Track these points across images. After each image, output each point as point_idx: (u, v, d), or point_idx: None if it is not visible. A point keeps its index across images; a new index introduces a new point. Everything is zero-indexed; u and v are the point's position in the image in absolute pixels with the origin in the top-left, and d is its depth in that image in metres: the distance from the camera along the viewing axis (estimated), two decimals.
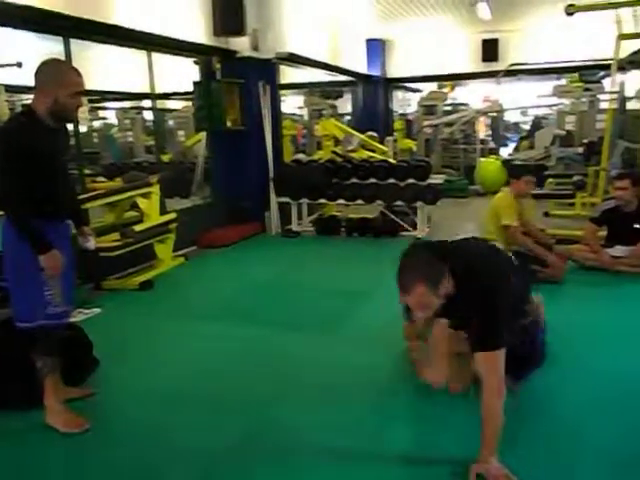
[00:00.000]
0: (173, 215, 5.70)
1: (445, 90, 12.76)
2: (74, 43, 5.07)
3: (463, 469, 2.22)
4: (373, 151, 8.69)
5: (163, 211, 5.70)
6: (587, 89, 10.18)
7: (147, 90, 6.50)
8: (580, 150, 8.94)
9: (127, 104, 12.22)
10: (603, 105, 9.61)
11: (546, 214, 7.05)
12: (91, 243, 3.01)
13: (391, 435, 2.63)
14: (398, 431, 2.68)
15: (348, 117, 13.01)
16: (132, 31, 5.45)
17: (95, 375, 3.28)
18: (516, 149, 12.54)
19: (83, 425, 2.74)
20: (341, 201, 7.17)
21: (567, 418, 2.69)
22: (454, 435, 2.57)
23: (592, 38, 9.45)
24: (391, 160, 7.77)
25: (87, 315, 4.28)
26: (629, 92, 8.78)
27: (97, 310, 4.42)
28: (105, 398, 3.06)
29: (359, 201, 7.04)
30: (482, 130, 12.45)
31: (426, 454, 2.47)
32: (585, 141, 8.81)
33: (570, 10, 6.30)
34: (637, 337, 3.64)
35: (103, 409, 2.97)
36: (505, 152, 13.22)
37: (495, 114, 12.89)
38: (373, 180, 6.97)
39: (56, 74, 2.58)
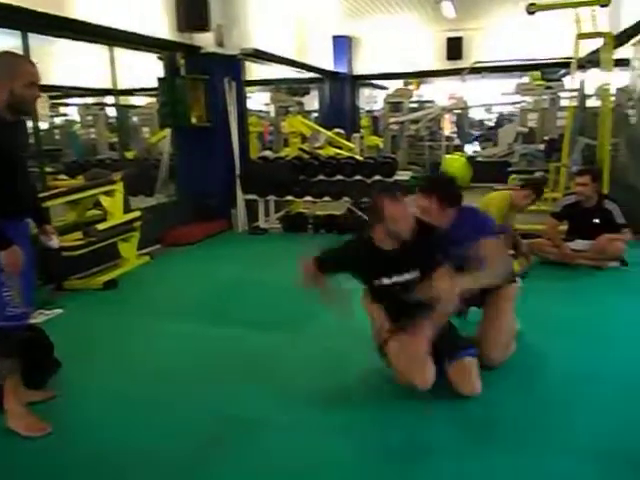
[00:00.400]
0: (137, 213, 5.61)
1: (411, 87, 12.87)
2: (33, 38, 4.94)
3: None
4: (340, 148, 8.69)
5: (127, 209, 5.61)
6: (548, 87, 10.39)
7: (110, 86, 6.39)
8: (542, 147, 9.12)
9: (90, 100, 11.99)
10: (564, 103, 9.82)
11: None
12: (54, 242, 2.95)
13: (367, 435, 2.65)
14: (372, 429, 2.69)
15: (315, 114, 13.00)
16: (93, 26, 5.34)
17: (57, 377, 3.21)
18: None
19: (45, 429, 2.68)
20: (308, 198, 7.16)
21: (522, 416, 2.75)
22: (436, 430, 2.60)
23: (553, 37, 9.64)
24: (358, 157, 7.80)
25: (48, 316, 4.19)
26: (589, 90, 9.00)
27: (59, 311, 4.32)
28: (67, 400, 3.01)
29: (326, 198, 7.05)
30: (447, 127, 12.60)
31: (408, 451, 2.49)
32: (546, 138, 8.99)
33: (531, 9, 6.42)
34: (593, 327, 3.75)
35: (65, 412, 2.91)
36: (470, 149, 13.42)
37: (460, 111, 13.05)
38: (340, 177, 6.98)
39: (9, 66, 2.52)
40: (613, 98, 7.02)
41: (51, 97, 11.01)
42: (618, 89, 8.05)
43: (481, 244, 2.88)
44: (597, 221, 5.03)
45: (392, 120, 11.01)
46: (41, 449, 2.58)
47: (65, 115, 12.44)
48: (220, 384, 3.13)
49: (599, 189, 5.22)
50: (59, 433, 2.67)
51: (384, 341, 2.94)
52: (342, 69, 11.88)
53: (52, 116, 11.56)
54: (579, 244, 5.13)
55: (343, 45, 11.84)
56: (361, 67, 12.19)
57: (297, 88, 10.69)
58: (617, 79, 7.43)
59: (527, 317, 3.92)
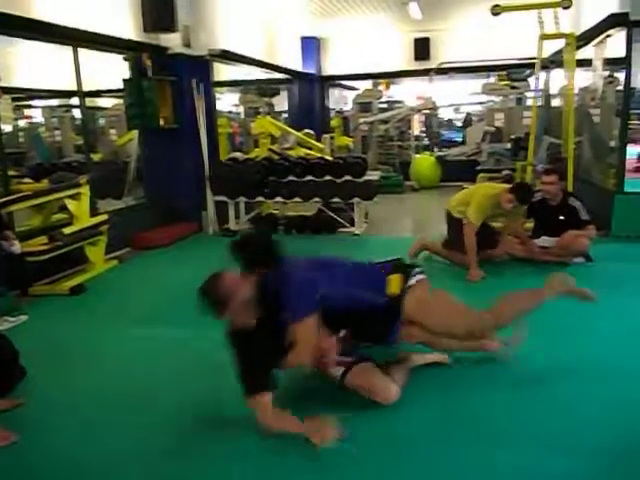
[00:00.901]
0: (104, 217, 5.54)
1: (380, 88, 12.93)
2: None
3: None
4: (310, 149, 8.69)
5: (94, 213, 5.52)
6: (514, 87, 10.56)
7: (75, 88, 6.27)
8: (508, 146, 9.26)
9: (55, 102, 11.75)
10: (529, 102, 10.00)
11: None
12: (16, 247, 2.90)
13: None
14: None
15: (285, 115, 12.97)
16: (56, 26, 5.25)
17: (22, 385, 3.14)
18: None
19: (9, 438, 2.62)
20: (279, 199, 7.15)
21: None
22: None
23: (518, 38, 9.81)
24: (328, 157, 7.81)
25: (13, 323, 4.10)
26: (553, 90, 9.18)
27: (24, 317, 4.24)
28: (33, 408, 2.95)
29: (297, 199, 7.05)
30: (416, 127, 12.70)
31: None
32: (513, 137, 9.14)
33: (496, 10, 6.52)
34: (562, 323, 3.82)
35: (32, 419, 2.85)
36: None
37: (429, 111, 13.17)
38: (310, 177, 6.99)
39: None
40: (576, 98, 7.18)
41: (14, 99, 10.78)
42: (581, 89, 8.24)
43: (293, 328, 2.55)
44: (562, 218, 5.14)
45: (362, 120, 11.07)
46: (7, 459, 2.53)
47: (29, 117, 12.18)
48: (191, 387, 3.10)
49: (564, 187, 5.34)
50: (25, 441, 2.62)
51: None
52: (311, 70, 11.89)
53: (16, 119, 11.31)
54: (545, 241, 5.23)
55: (312, 46, 11.85)
56: (330, 68, 12.22)
57: (266, 89, 10.64)
58: (580, 79, 7.59)
59: None
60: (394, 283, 2.84)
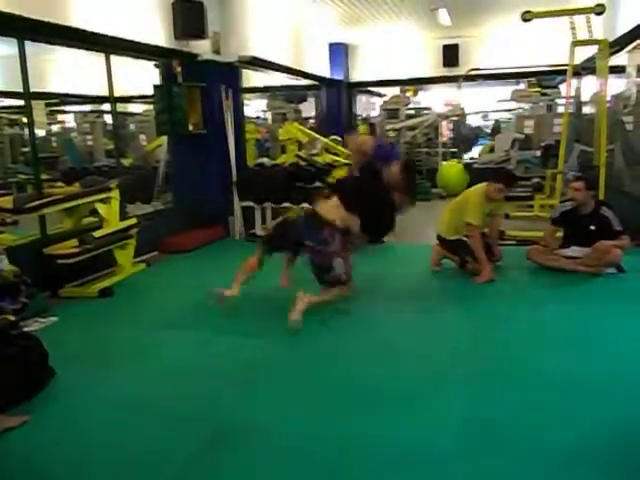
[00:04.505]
0: (134, 220, 5.60)
1: (408, 94, 12.89)
2: (30, 45, 4.95)
3: None
4: (337, 155, 8.70)
5: (123, 216, 5.60)
6: (544, 94, 10.42)
7: (107, 93, 6.38)
8: (538, 153, 9.14)
9: (87, 107, 11.99)
10: (560, 109, 9.86)
11: (506, 216, 7.18)
12: (3, 263, 2.92)
13: (375, 445, 2.64)
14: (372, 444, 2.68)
15: (312, 121, 13.01)
16: (90, 33, 5.34)
17: (51, 385, 3.19)
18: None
19: (22, 418, 2.71)
20: (305, 205, 7.15)
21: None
22: None
23: (549, 44, 9.69)
24: None
25: (43, 324, 4.17)
26: (585, 97, 9.04)
27: (54, 319, 4.30)
28: (62, 409, 2.99)
29: None
30: (445, 134, 12.62)
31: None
32: (543, 144, 9.01)
33: (527, 17, 6.44)
34: (593, 336, 3.74)
35: (60, 420, 2.88)
36: (467, 155, 13.44)
37: (457, 118, 13.07)
38: None
39: None
40: (609, 105, 7.05)
41: (48, 104, 11.03)
42: (613, 96, 8.08)
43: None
44: (593, 228, 5.03)
45: (389, 127, 11.03)
46: (37, 455, 2.57)
47: (62, 122, 12.44)
48: (218, 391, 3.11)
49: (595, 196, 5.24)
50: (53, 441, 2.66)
51: None
52: (339, 76, 11.91)
53: (49, 123, 11.57)
54: (575, 251, 5.13)
55: (339, 52, 11.87)
56: (357, 74, 12.22)
57: (294, 95, 10.72)
58: (612, 86, 7.46)
59: (525, 325, 3.94)
60: None
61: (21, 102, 5.10)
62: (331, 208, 4.22)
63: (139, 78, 7.80)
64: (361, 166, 4.71)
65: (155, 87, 6.70)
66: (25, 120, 5.34)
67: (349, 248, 4.45)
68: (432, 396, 2.98)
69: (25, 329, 3.63)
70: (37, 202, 4.69)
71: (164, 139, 7.61)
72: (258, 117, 13.29)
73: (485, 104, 15.32)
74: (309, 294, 4.02)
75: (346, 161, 8.03)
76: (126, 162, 9.06)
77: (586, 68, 7.25)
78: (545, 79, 10.75)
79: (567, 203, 5.24)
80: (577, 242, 5.13)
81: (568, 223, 5.20)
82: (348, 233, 4.22)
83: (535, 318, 4.11)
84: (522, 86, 11.90)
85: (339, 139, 9.61)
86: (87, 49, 5.93)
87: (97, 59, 6.19)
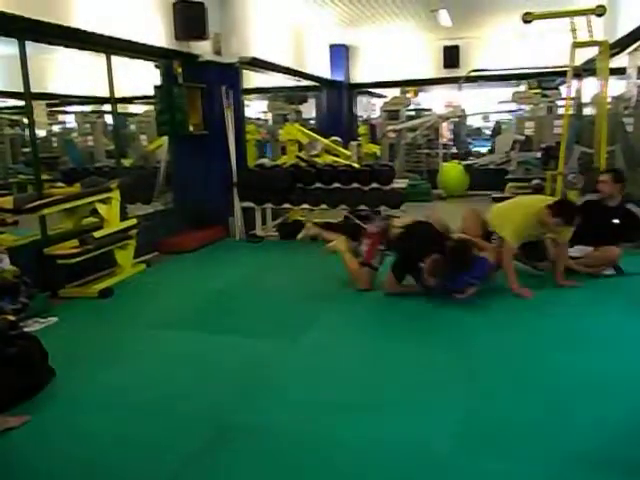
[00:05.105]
0: (134, 221, 5.60)
1: (408, 95, 12.90)
2: (31, 46, 4.95)
3: None
4: (337, 156, 8.70)
5: (124, 217, 5.60)
6: (545, 95, 10.43)
7: (107, 94, 6.39)
8: (538, 155, 9.14)
9: (87, 108, 12.01)
10: (560, 111, 9.85)
11: None
12: (4, 262, 2.92)
13: (372, 448, 2.63)
14: (373, 441, 2.68)
15: (312, 122, 13.02)
16: (91, 34, 5.34)
17: (51, 385, 3.19)
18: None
19: (22, 418, 2.73)
20: (305, 206, 7.16)
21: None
22: None
23: (549, 45, 9.70)
24: (355, 165, 7.80)
25: (43, 324, 4.17)
26: (585, 98, 9.04)
27: (54, 319, 4.30)
28: (62, 408, 2.99)
29: (323, 206, 7.05)
30: (445, 135, 12.62)
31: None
32: (543, 146, 9.01)
33: (527, 18, 6.45)
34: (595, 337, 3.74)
35: (60, 420, 2.88)
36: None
37: (457, 119, 13.08)
38: (337, 185, 6.98)
39: None
40: (609, 106, 7.05)
41: (49, 105, 11.05)
42: (614, 97, 8.08)
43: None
44: (617, 221, 5.00)
45: (389, 128, 11.04)
46: (28, 453, 2.57)
47: (63, 123, 12.46)
48: (218, 391, 3.12)
49: (621, 190, 5.16)
50: (53, 441, 2.66)
51: None
52: (339, 77, 11.91)
53: (50, 124, 11.58)
54: (576, 250, 5.08)
55: (340, 53, 11.88)
56: (358, 75, 12.23)
57: (294, 96, 10.71)
58: (613, 87, 7.46)
59: (525, 327, 3.93)
60: None
61: (22, 102, 5.09)
62: None
63: (140, 79, 7.81)
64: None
65: (156, 88, 6.70)
66: (26, 120, 5.34)
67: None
68: (432, 398, 2.98)
69: (25, 329, 3.62)
70: (37, 202, 4.69)
71: (165, 140, 7.61)
72: (258, 118, 13.31)
73: (486, 105, 15.35)
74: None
75: (346, 162, 8.05)
76: (127, 163, 9.07)
77: (587, 69, 7.25)
78: (545, 80, 10.75)
79: (594, 194, 5.21)
80: (586, 240, 4.98)
81: (590, 213, 4.95)
82: None
83: (537, 320, 4.10)
84: (522, 87, 11.90)
85: (339, 140, 9.63)
86: (88, 49, 5.94)
87: (98, 59, 6.19)
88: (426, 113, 12.81)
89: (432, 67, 11.58)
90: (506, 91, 12.57)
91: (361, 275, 4.89)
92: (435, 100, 15.72)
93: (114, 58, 6.01)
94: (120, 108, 8.24)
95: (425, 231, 4.70)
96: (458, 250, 4.37)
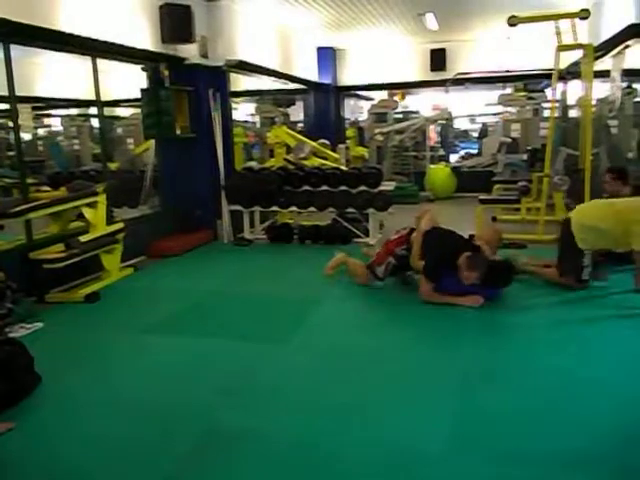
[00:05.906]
0: (120, 225, 5.57)
1: (396, 98, 12.94)
2: (16, 49, 4.91)
3: None
4: (325, 159, 8.71)
5: (110, 221, 5.56)
6: (531, 98, 10.51)
7: (94, 97, 6.35)
8: (525, 157, 9.20)
9: (73, 111, 11.92)
10: (546, 113, 9.94)
11: (494, 219, 7.24)
12: None
13: (352, 449, 2.63)
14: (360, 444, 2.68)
15: (300, 125, 13.02)
16: (76, 37, 5.30)
17: (37, 391, 3.16)
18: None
19: (7, 425, 2.70)
20: (293, 209, 7.16)
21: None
22: None
23: (535, 48, 9.78)
24: (343, 167, 7.81)
25: (29, 330, 4.13)
26: (570, 101, 9.13)
27: (39, 324, 4.26)
28: (47, 414, 2.96)
29: (311, 208, 7.05)
30: (432, 138, 12.67)
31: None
32: (529, 148, 9.07)
33: (512, 21, 6.50)
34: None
35: (45, 425, 2.86)
36: (454, 159, 13.54)
37: (444, 122, 13.14)
38: (325, 187, 6.99)
39: None
40: (594, 109, 7.12)
41: (34, 108, 10.94)
42: (599, 100, 8.17)
43: None
44: None
45: (377, 131, 11.07)
46: (18, 458, 2.55)
47: (49, 126, 12.35)
48: (207, 395, 3.10)
49: (625, 184, 5.21)
50: (38, 446, 2.63)
51: None
52: (327, 80, 11.92)
53: (35, 127, 11.47)
54: None
55: (327, 56, 11.88)
56: (346, 78, 12.24)
57: (282, 99, 10.72)
58: (598, 90, 7.53)
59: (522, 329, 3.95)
60: None
61: (7, 106, 5.05)
62: None
63: (126, 81, 7.77)
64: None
65: (142, 91, 6.67)
66: (11, 124, 5.29)
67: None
68: (424, 399, 2.99)
69: (10, 335, 3.59)
70: (23, 206, 4.65)
71: (151, 143, 7.57)
72: (246, 121, 13.28)
73: (472, 108, 15.44)
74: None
75: (334, 165, 8.05)
76: (113, 166, 9.00)
77: (571, 72, 7.31)
78: (531, 83, 10.84)
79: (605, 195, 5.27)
80: None
81: None
82: None
83: (530, 323, 4.13)
84: (509, 90, 11.99)
85: (327, 143, 9.63)
86: (74, 53, 5.90)
87: (84, 62, 6.16)
88: (414, 116, 12.87)
89: (419, 70, 11.62)
90: (493, 94, 12.64)
91: (363, 273, 5.07)
92: (422, 103, 15.78)
93: (100, 61, 5.98)
94: (106, 111, 8.20)
95: (446, 232, 4.88)
96: (507, 267, 4.59)
